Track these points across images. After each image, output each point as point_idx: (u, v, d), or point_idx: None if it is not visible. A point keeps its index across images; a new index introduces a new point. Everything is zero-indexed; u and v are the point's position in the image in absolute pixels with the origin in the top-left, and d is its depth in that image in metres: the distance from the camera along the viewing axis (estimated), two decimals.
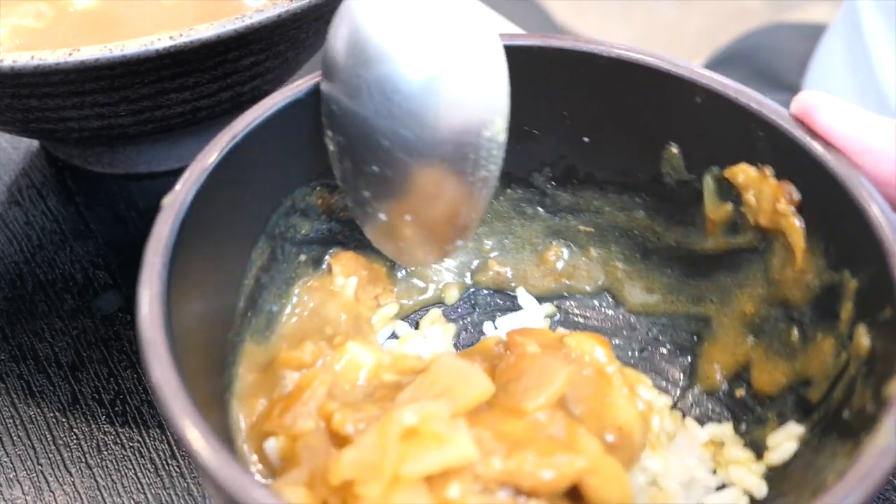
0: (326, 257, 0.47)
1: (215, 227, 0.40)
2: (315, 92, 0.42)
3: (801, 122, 0.40)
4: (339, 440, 0.37)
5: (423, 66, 0.39)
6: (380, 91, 0.39)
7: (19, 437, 0.48)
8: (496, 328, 0.48)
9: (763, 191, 0.41)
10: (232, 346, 0.42)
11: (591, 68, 0.43)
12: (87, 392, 0.50)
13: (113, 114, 0.50)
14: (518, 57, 0.42)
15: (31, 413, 0.49)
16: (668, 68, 0.42)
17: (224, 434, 0.39)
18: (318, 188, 0.46)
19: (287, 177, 0.44)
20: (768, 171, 0.41)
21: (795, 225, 0.40)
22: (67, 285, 0.55)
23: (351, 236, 0.48)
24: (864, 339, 0.36)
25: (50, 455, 0.47)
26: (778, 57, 1.03)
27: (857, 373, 0.37)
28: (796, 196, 0.40)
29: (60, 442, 0.48)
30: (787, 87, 0.99)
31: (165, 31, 0.45)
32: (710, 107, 0.41)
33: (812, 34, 1.02)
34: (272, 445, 0.39)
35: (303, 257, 0.46)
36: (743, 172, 0.41)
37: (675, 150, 0.44)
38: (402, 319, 0.49)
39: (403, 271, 0.50)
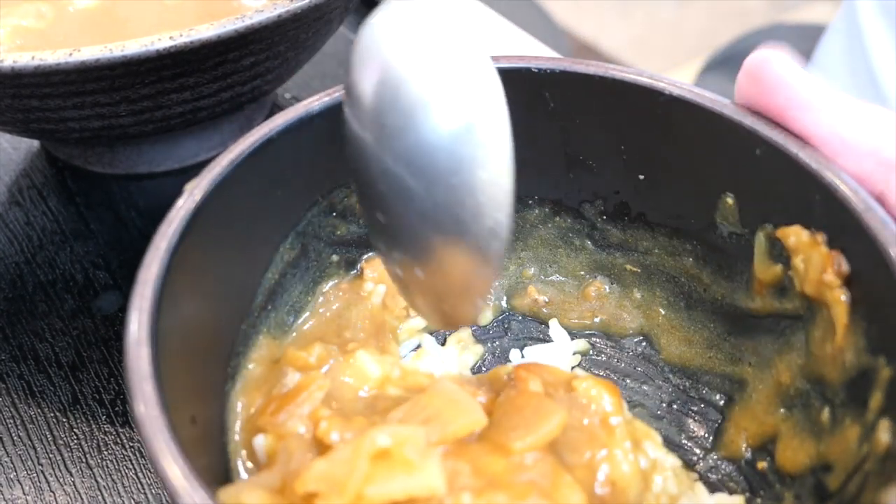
0: (361, 261, 0.47)
1: (237, 219, 0.40)
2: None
3: (754, 72, 0.38)
4: (323, 448, 0.37)
5: (406, 92, 0.33)
6: (371, 120, 0.34)
7: (20, 437, 0.48)
8: (522, 357, 0.48)
9: (812, 258, 0.38)
10: (244, 337, 0.42)
11: (652, 104, 0.42)
12: (87, 392, 0.50)
13: (113, 114, 0.50)
14: (577, 85, 0.42)
15: (32, 413, 0.49)
16: (728, 114, 0.40)
17: (217, 429, 0.39)
18: None
19: (325, 177, 0.44)
20: (821, 237, 0.38)
21: (840, 299, 0.37)
22: (68, 285, 0.55)
23: None
24: (884, 434, 0.34)
25: (50, 455, 0.47)
26: None
27: (872, 469, 0.34)
28: (845, 268, 0.37)
29: (61, 442, 0.48)
30: None
31: (166, 32, 0.45)
32: (770, 161, 0.39)
33: (812, 34, 1.02)
34: (261, 442, 0.39)
35: (335, 258, 0.46)
36: (795, 235, 0.39)
37: (730, 200, 0.42)
38: (431, 333, 0.48)
39: None
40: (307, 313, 0.45)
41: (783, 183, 0.39)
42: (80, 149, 0.62)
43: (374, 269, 0.47)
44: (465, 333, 0.48)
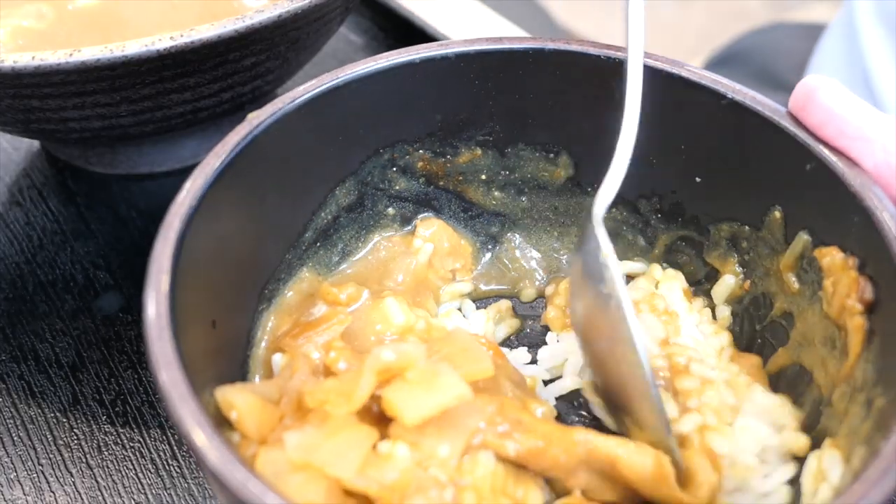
0: (416, 219, 0.49)
1: (293, 154, 0.42)
2: (435, 61, 0.44)
3: (803, 104, 0.38)
4: (328, 375, 0.39)
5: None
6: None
7: (20, 437, 0.48)
8: (557, 341, 0.48)
9: (841, 280, 0.38)
10: (288, 266, 0.45)
11: (713, 106, 0.42)
12: (87, 392, 0.50)
13: (114, 114, 0.50)
14: (644, 78, 0.42)
15: (32, 413, 0.49)
16: (785, 125, 0.40)
17: (243, 341, 0.42)
18: (421, 151, 0.47)
19: (389, 130, 0.46)
20: (853, 261, 0.38)
21: (858, 325, 0.37)
22: (68, 286, 0.55)
23: (447, 206, 0.50)
24: (857, 460, 0.34)
25: (51, 455, 0.47)
26: (777, 57, 1.03)
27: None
28: (869, 295, 0.37)
29: (61, 442, 0.48)
30: (786, 88, 0.98)
31: (166, 32, 0.45)
32: (818, 177, 0.39)
33: (811, 34, 1.02)
34: (278, 360, 0.42)
35: (391, 211, 0.48)
36: (829, 256, 0.39)
37: (778, 214, 0.42)
38: (474, 300, 0.50)
39: (489, 255, 0.51)
40: (354, 258, 0.48)
41: (828, 201, 0.39)
42: (80, 149, 0.62)
43: (427, 228, 0.49)
44: (504, 305, 0.49)
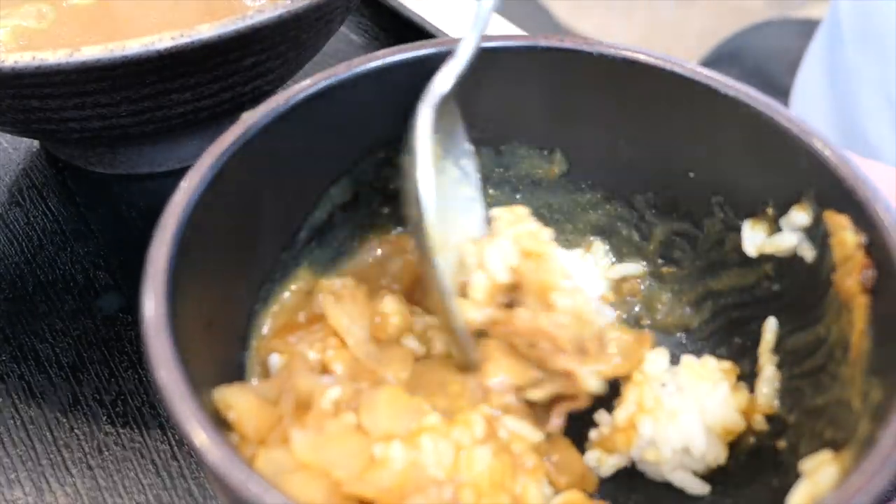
0: None
1: (288, 153, 0.42)
2: (428, 59, 0.43)
3: None
4: (326, 373, 0.39)
5: None
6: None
7: (20, 437, 0.48)
8: None
9: (847, 258, 0.38)
10: (284, 266, 0.44)
11: (707, 102, 0.42)
12: (87, 393, 0.50)
13: (114, 114, 0.50)
14: (637, 73, 0.42)
15: (32, 414, 0.49)
16: (779, 121, 0.40)
17: (239, 343, 0.42)
18: None
19: (384, 129, 0.45)
20: (863, 238, 0.37)
21: (861, 304, 0.37)
22: (68, 286, 0.55)
23: None
24: (849, 460, 0.34)
25: (51, 456, 0.47)
26: (770, 56, 1.03)
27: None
28: (872, 276, 0.37)
29: (61, 443, 0.48)
30: (779, 88, 0.98)
31: (167, 32, 0.45)
32: (811, 172, 0.39)
33: (808, 30, 1.02)
34: (275, 361, 0.41)
35: (386, 210, 0.48)
36: (841, 228, 0.38)
37: (770, 211, 0.42)
38: None
39: None
40: (353, 257, 0.47)
41: (821, 196, 0.39)
42: (80, 149, 0.62)
43: None
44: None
